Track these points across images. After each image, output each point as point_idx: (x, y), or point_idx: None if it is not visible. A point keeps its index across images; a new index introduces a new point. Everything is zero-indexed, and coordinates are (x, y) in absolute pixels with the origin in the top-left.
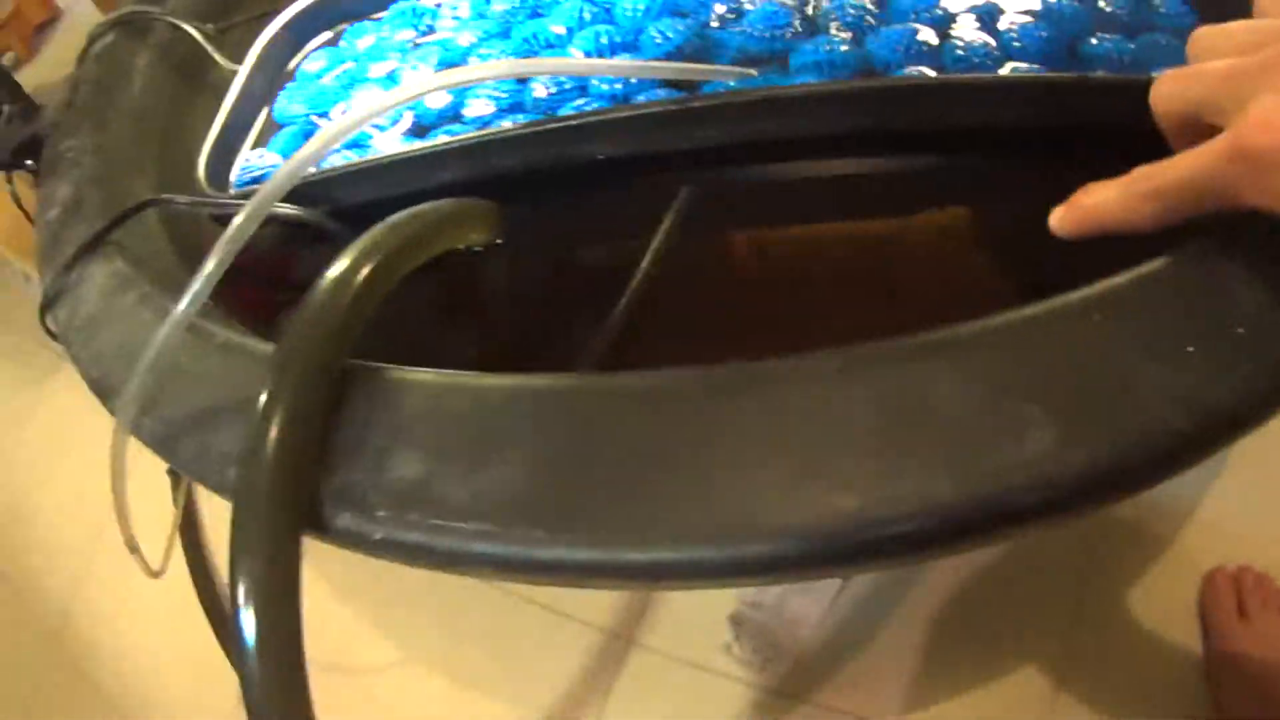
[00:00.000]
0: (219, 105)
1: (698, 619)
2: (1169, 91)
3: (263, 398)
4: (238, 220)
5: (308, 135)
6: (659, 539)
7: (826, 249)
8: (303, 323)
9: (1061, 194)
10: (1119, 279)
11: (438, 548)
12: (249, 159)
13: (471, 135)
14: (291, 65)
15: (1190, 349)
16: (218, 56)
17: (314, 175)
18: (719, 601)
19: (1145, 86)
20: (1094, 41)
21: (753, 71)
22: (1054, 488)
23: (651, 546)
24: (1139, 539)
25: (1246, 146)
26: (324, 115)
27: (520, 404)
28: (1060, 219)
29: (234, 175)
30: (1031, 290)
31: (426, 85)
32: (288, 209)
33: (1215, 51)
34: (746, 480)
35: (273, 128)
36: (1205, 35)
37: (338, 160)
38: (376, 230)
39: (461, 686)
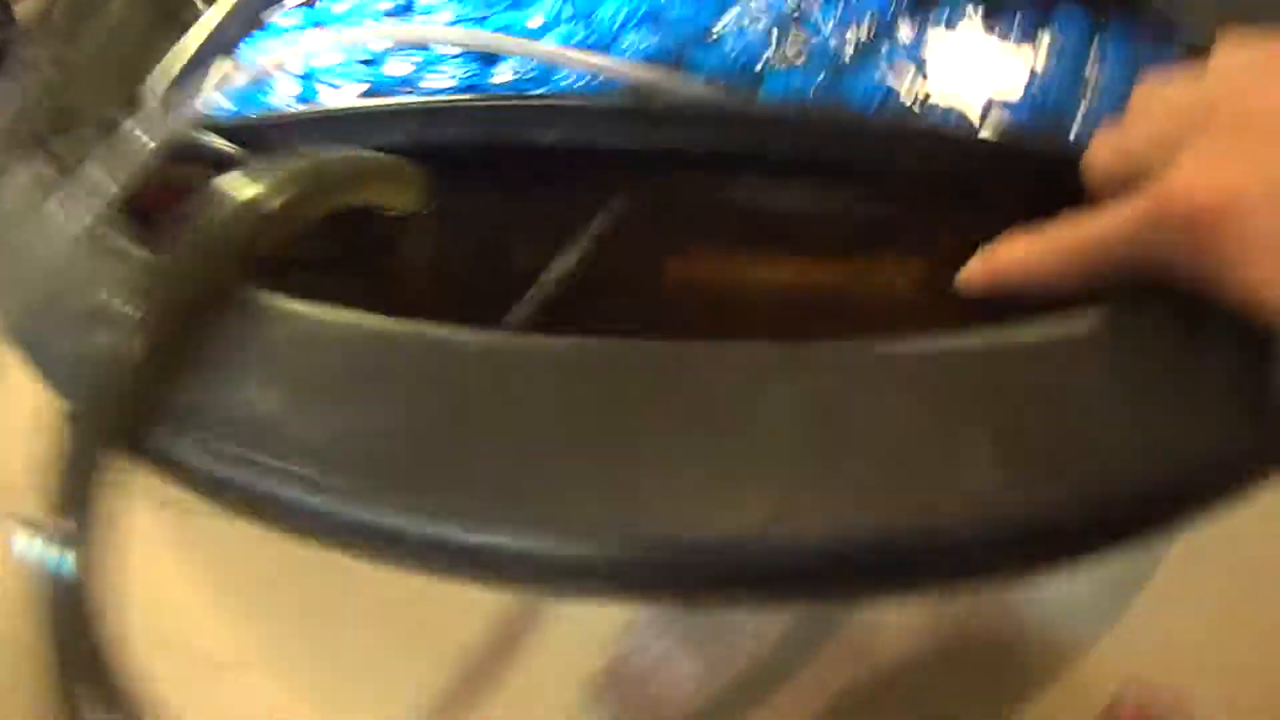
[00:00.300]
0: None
1: (565, 669)
2: (1100, 150)
3: (121, 301)
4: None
5: (260, 85)
6: (505, 523)
7: (768, 288)
8: (194, 235)
9: None
10: (1090, 317)
11: (273, 494)
12: (200, 99)
13: (415, 100)
14: (265, 18)
15: (1160, 402)
16: (199, 2)
17: (248, 119)
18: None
19: None
20: (1080, 112)
21: (712, 90)
22: (996, 528)
23: (497, 530)
24: (1043, 673)
25: (1167, 199)
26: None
27: (401, 351)
28: (971, 272)
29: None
30: None
31: (373, 31)
32: (218, 143)
33: (1153, 108)
34: (632, 473)
35: None
36: (1144, 93)
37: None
38: (298, 162)
39: (301, 700)
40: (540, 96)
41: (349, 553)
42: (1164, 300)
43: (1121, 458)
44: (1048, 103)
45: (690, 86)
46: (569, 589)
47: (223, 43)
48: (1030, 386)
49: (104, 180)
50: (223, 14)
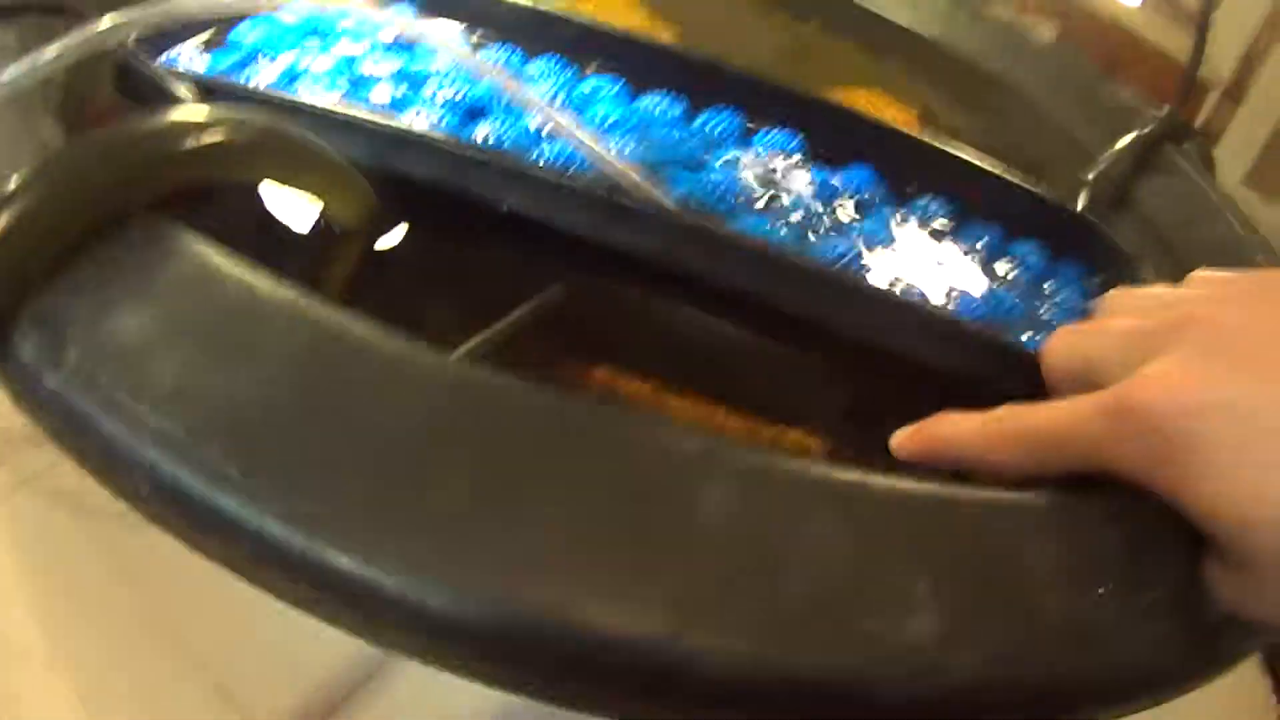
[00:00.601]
0: None
1: None
2: (1063, 344)
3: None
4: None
5: (243, 65)
6: (359, 545)
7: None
8: (139, 133)
9: None
10: (1042, 493)
11: (104, 430)
12: (180, 51)
13: (385, 119)
14: (279, 3)
15: (1102, 591)
16: None
17: (223, 83)
18: None
19: None
20: (1023, 338)
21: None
22: (928, 685)
23: (346, 547)
24: None
25: (1131, 402)
26: (270, 56)
27: (301, 328)
28: (906, 439)
29: (162, 57)
30: None
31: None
32: (180, 89)
33: (1125, 309)
34: (532, 537)
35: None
36: (1116, 295)
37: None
38: (268, 120)
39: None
40: (512, 157)
41: (172, 523)
42: (1117, 491)
43: (1065, 643)
44: (998, 318)
45: (665, 197)
46: (407, 642)
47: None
48: (980, 543)
49: (50, 57)
50: None
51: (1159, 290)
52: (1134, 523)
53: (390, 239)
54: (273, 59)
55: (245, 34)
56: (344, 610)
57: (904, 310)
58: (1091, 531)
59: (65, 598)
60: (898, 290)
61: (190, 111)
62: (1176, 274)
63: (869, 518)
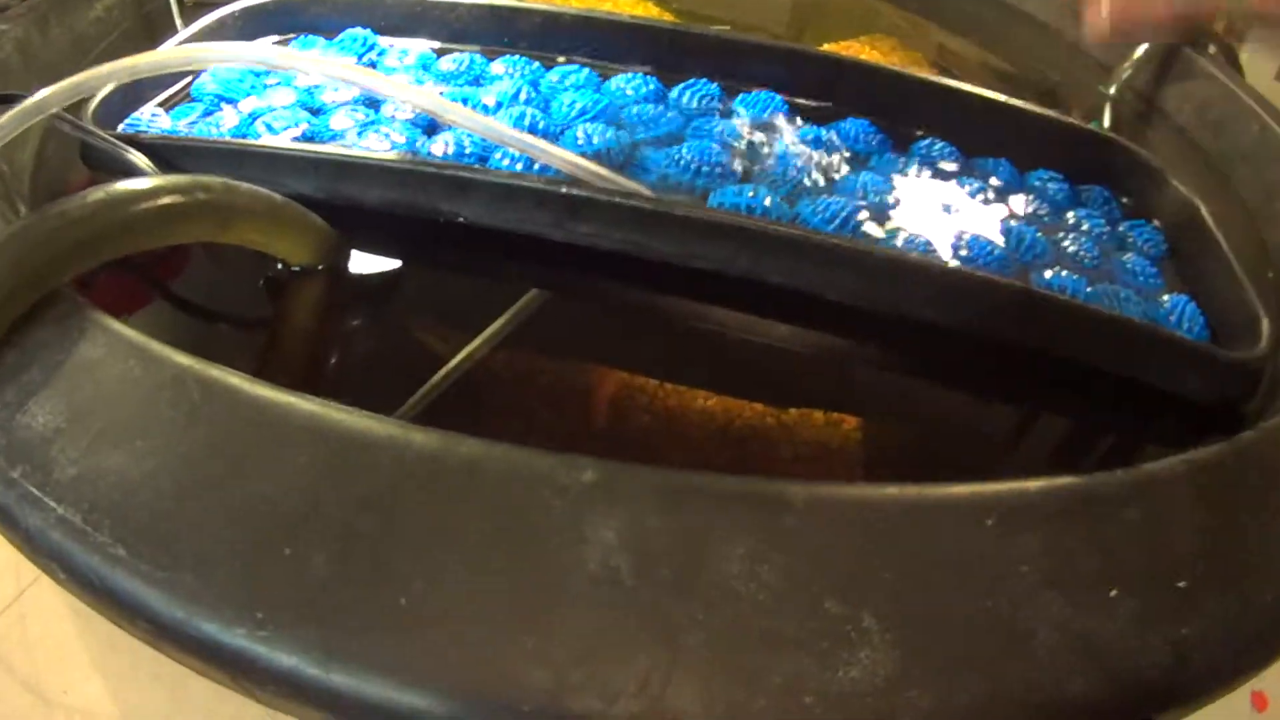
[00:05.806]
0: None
1: None
2: None
3: None
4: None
5: (209, 114)
6: (255, 615)
7: (683, 416)
8: (56, 216)
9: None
10: (1035, 483)
11: (21, 522)
12: (143, 113)
13: (335, 150)
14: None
15: (1114, 593)
16: (179, 22)
17: (172, 140)
18: None
19: (1094, 316)
20: (1048, 274)
21: (647, 191)
22: None
23: (245, 623)
24: None
25: None
26: (232, 101)
27: (192, 397)
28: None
29: (123, 124)
30: None
31: (324, 66)
32: (131, 154)
33: None
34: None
35: (188, 100)
36: None
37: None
38: (208, 178)
39: None
40: (460, 166)
41: (104, 610)
42: (1130, 476)
43: (1054, 654)
44: (1017, 257)
45: (628, 185)
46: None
47: (185, 72)
48: (943, 561)
49: None
50: (181, 39)
51: None
52: (1153, 501)
53: (365, 267)
54: (236, 104)
55: (206, 85)
56: (228, 678)
57: (899, 267)
58: (1097, 520)
59: (118, 653)
60: (899, 243)
61: (103, 191)
62: (1213, 183)
63: (797, 537)
